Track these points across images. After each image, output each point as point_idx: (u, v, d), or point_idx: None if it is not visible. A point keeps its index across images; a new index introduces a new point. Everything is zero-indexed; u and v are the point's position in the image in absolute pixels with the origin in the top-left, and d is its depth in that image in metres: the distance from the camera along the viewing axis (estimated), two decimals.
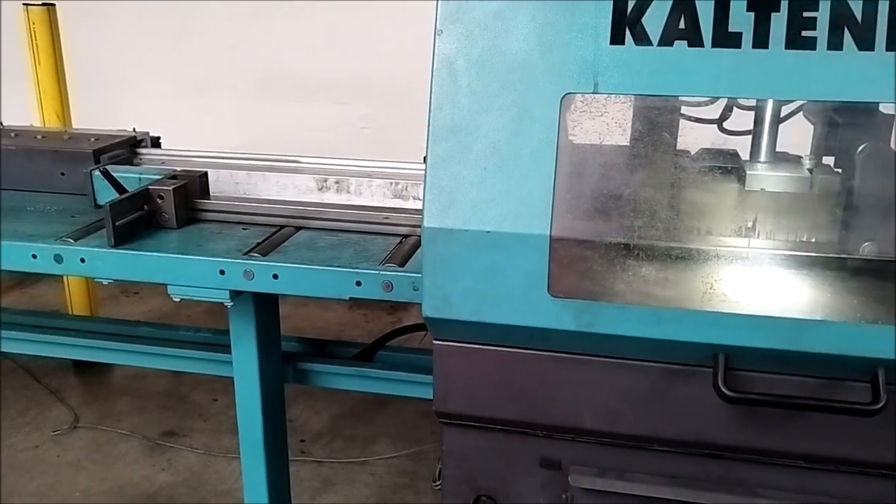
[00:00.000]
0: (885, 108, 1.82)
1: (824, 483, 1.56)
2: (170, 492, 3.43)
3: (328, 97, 5.15)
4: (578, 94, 1.41)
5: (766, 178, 1.76)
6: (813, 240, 1.71)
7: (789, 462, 1.55)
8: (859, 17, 1.30)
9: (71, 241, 2.10)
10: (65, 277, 4.50)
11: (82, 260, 2.07)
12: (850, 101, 1.36)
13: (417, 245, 2.05)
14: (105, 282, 2.14)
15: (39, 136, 2.72)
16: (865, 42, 1.30)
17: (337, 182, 2.44)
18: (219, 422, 3.87)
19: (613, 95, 1.44)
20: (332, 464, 3.60)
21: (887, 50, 1.30)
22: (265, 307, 2.33)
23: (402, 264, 1.98)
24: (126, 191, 2.25)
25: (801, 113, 1.99)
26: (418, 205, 2.23)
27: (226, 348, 2.44)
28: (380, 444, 3.75)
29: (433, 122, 1.45)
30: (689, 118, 1.88)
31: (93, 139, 2.66)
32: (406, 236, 2.15)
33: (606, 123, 1.49)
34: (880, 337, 1.37)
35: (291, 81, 5.17)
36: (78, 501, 3.35)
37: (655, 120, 1.58)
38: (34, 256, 2.07)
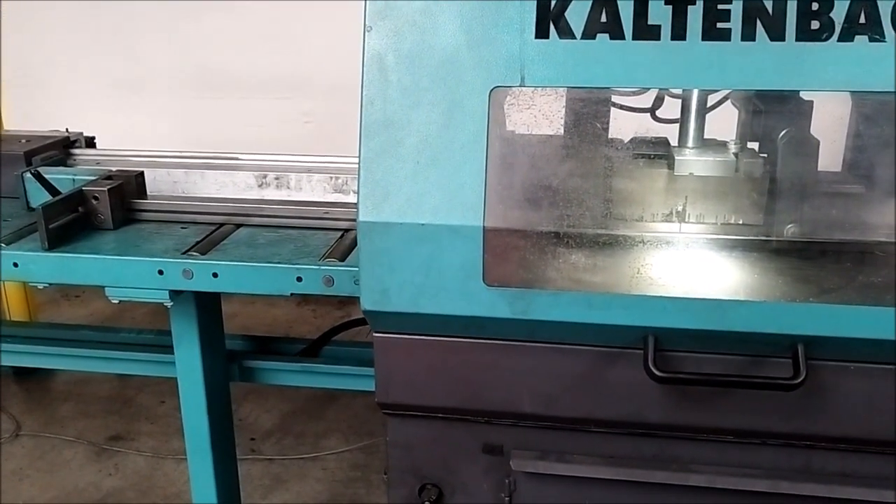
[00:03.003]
0: (806, 95, 1.90)
1: (753, 456, 1.63)
2: (118, 497, 3.38)
3: (267, 93, 5.10)
4: (507, 87, 1.44)
5: (693, 162, 1.82)
6: (739, 222, 1.78)
7: (719, 437, 1.62)
8: (770, 10, 1.36)
9: (3, 244, 2.05)
10: (1, 284, 4.39)
11: (15, 265, 2.02)
12: (763, 89, 1.42)
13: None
14: (41, 286, 2.10)
15: None
16: (776, 32, 1.36)
17: (277, 178, 2.44)
18: (166, 424, 3.82)
19: (540, 88, 1.48)
20: (283, 461, 3.60)
21: (797, 40, 1.36)
22: (207, 306, 2.32)
23: (343, 259, 1.98)
24: (59, 192, 2.20)
25: (728, 101, 2.06)
26: None
27: (169, 349, 2.41)
28: (331, 439, 3.75)
29: (365, 118, 1.47)
30: (622, 107, 1.93)
31: (24, 140, 2.60)
32: (346, 231, 2.16)
33: (534, 116, 1.53)
34: (799, 314, 1.44)
35: (228, 78, 5.10)
36: None
37: (587, 110, 1.61)
38: None
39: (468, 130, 1.44)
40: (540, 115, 1.52)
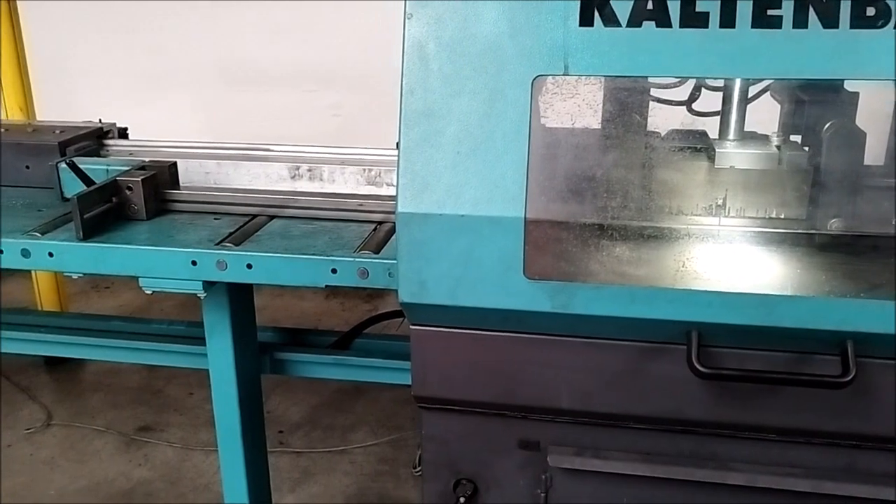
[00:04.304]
0: (851, 86, 1.86)
1: (795, 456, 1.59)
2: (147, 487, 3.40)
3: (295, 86, 5.09)
4: (549, 76, 1.42)
5: (734, 155, 1.78)
6: (782, 216, 1.74)
7: (761, 436, 1.58)
8: None
9: (38, 234, 2.06)
10: (33, 274, 4.43)
11: (50, 254, 2.03)
12: (815, 78, 1.38)
13: (392, 232, 2.04)
14: (75, 276, 2.10)
15: (3, 130, 2.66)
16: (830, 19, 1.32)
17: (310, 170, 2.42)
18: (195, 415, 3.84)
19: (584, 77, 1.45)
20: (311, 454, 3.60)
21: (851, 27, 1.32)
22: (239, 297, 2.31)
23: (378, 251, 1.97)
24: (93, 183, 2.21)
25: (768, 93, 2.02)
26: (392, 191, 2.23)
27: (200, 340, 2.41)
28: (359, 432, 3.75)
29: (405, 107, 1.45)
30: (659, 100, 1.89)
31: (58, 131, 2.61)
32: (380, 223, 2.15)
33: (578, 105, 1.50)
34: (849, 310, 1.40)
35: (255, 71, 5.10)
36: (53, 500, 3.31)
37: (626, 101, 1.59)
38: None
39: (510, 120, 1.41)
40: (583, 104, 1.49)
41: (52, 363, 4.32)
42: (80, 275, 2.10)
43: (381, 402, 3.95)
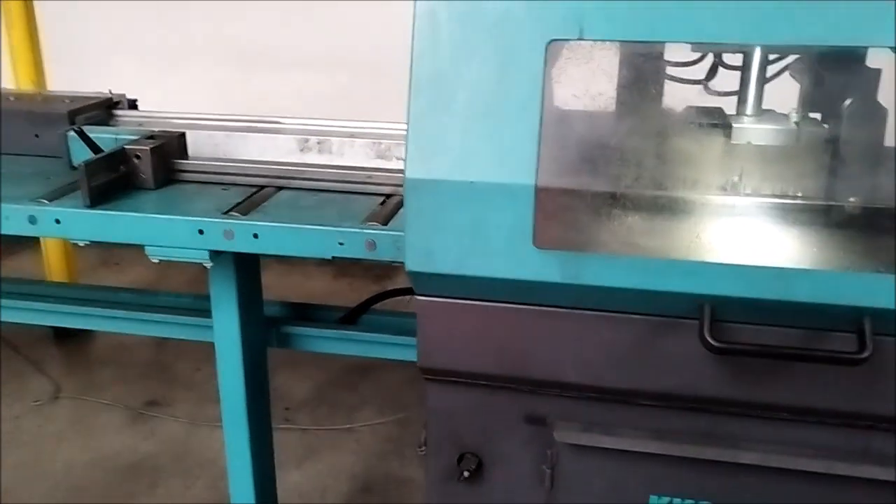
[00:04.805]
0: (872, 63, 1.81)
1: (809, 436, 1.56)
2: (153, 461, 3.41)
3: (304, 67, 5.07)
4: (564, 41, 1.38)
5: (752, 131, 1.74)
6: (799, 193, 1.70)
7: (774, 415, 1.55)
8: None
9: (45, 201, 2.04)
10: (42, 249, 4.44)
11: (57, 221, 2.01)
12: (837, 45, 1.34)
13: (401, 205, 2.01)
14: (81, 244, 2.09)
15: (12, 98, 2.65)
16: None
17: (319, 143, 2.40)
18: (202, 391, 3.84)
19: (599, 42, 1.41)
20: (316, 431, 3.60)
21: None
22: (246, 269, 2.29)
23: (386, 223, 1.94)
24: (102, 151, 2.19)
25: (787, 73, 1.97)
26: (401, 165, 2.18)
27: (207, 313, 2.40)
28: (365, 410, 3.74)
29: (415, 72, 1.41)
30: (675, 79, 1.86)
31: (67, 101, 2.60)
32: (389, 196, 2.12)
33: (592, 71, 1.46)
34: (867, 285, 1.36)
35: (264, 52, 5.08)
36: (59, 473, 3.32)
37: (641, 67, 1.55)
38: (7, 218, 2.01)
39: (522, 85, 1.38)
40: (598, 70, 1.45)
41: (61, 336, 4.34)
42: (87, 242, 2.08)
43: (387, 381, 3.94)
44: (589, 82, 1.51)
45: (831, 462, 1.54)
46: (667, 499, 1.66)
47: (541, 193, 1.40)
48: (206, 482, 3.26)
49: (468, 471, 1.71)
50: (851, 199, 1.65)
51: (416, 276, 1.52)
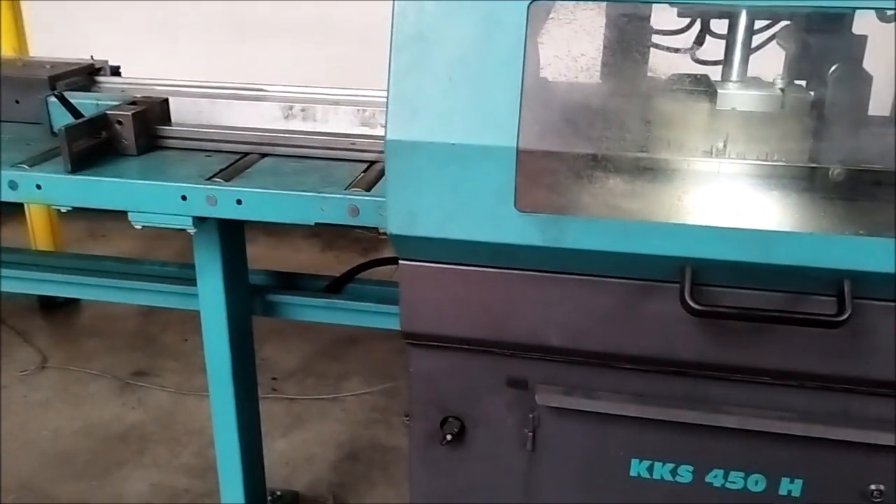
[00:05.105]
0: (857, 29, 1.80)
1: (788, 399, 1.58)
2: (140, 430, 3.41)
3: (294, 37, 5.01)
4: (547, 2, 1.37)
5: (737, 97, 1.73)
6: (783, 159, 1.70)
7: (754, 378, 1.56)
8: None
9: (26, 167, 2.02)
10: (28, 221, 4.40)
11: (38, 186, 1.99)
12: (824, 6, 1.33)
13: (384, 172, 2.00)
14: (64, 209, 2.07)
15: None
16: None
17: (303, 110, 2.38)
18: (189, 361, 3.84)
19: (582, 2, 1.40)
20: (303, 400, 3.61)
21: None
22: (230, 236, 2.28)
23: (369, 189, 1.93)
24: (83, 117, 2.17)
25: (773, 42, 1.97)
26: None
27: (193, 282, 2.39)
28: (351, 380, 3.75)
29: (396, 31, 1.40)
30: (661, 47, 1.85)
31: (48, 66, 2.56)
32: (373, 163, 2.11)
33: (575, 31, 1.45)
34: (847, 248, 1.37)
35: (254, 21, 5.02)
36: (47, 441, 3.32)
37: (626, 30, 1.53)
38: None
39: (505, 46, 1.36)
40: (581, 30, 1.44)
41: (48, 307, 4.32)
42: (69, 209, 2.07)
43: (374, 351, 3.95)
44: (573, 44, 1.49)
45: (809, 425, 1.56)
46: (648, 461, 1.68)
47: (523, 156, 1.40)
48: (194, 450, 3.27)
49: (451, 434, 1.72)
50: (834, 164, 1.65)
51: (397, 239, 1.52)
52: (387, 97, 1.42)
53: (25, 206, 4.23)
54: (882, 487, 1.60)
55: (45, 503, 2.98)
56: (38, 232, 4.40)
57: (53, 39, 4.47)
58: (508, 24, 1.37)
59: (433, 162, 1.42)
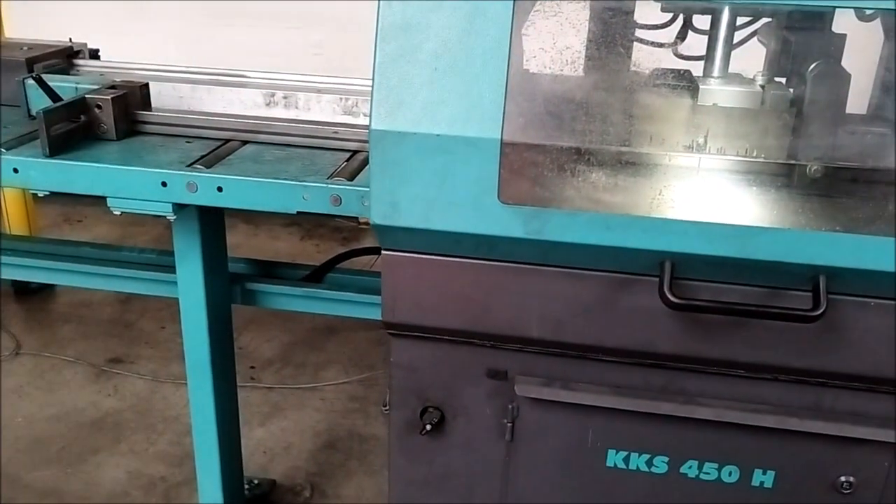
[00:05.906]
0: (837, 28, 1.83)
1: (763, 392, 1.60)
2: (116, 417, 3.39)
3: (277, 22, 4.97)
4: None
5: (718, 92, 1.75)
6: (763, 156, 1.72)
7: (730, 371, 1.58)
8: None
9: (3, 150, 2.00)
10: (2, 204, 4.34)
11: (15, 170, 1.97)
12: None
13: (367, 161, 1.99)
14: (41, 194, 2.05)
15: None
16: None
17: (285, 97, 2.36)
18: (167, 349, 3.82)
19: None
20: (281, 390, 3.60)
21: None
22: (210, 223, 2.27)
23: (351, 179, 1.93)
24: (61, 99, 2.14)
25: (755, 38, 1.99)
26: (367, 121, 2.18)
27: (172, 269, 2.37)
28: (330, 370, 3.75)
29: (382, 19, 1.40)
30: (644, 41, 1.86)
31: (26, 48, 2.52)
32: (356, 152, 2.10)
33: (560, 24, 1.45)
34: (823, 244, 1.39)
35: (237, 5, 4.97)
36: (21, 426, 3.29)
37: (610, 23, 1.54)
38: None
39: (490, 37, 1.37)
40: (566, 23, 1.45)
41: (22, 293, 4.27)
42: (46, 193, 2.04)
43: (353, 341, 3.94)
44: (557, 37, 1.50)
45: (783, 417, 1.59)
46: (624, 452, 1.70)
47: (507, 148, 1.40)
48: (171, 438, 3.25)
49: (430, 424, 1.72)
50: (812, 161, 1.67)
51: (380, 229, 1.52)
52: (371, 86, 1.42)
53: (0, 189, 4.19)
54: (852, 479, 1.64)
55: (18, 490, 2.95)
56: (12, 216, 4.35)
57: (28, 20, 4.43)
58: (495, 16, 1.37)
59: (417, 152, 1.42)
